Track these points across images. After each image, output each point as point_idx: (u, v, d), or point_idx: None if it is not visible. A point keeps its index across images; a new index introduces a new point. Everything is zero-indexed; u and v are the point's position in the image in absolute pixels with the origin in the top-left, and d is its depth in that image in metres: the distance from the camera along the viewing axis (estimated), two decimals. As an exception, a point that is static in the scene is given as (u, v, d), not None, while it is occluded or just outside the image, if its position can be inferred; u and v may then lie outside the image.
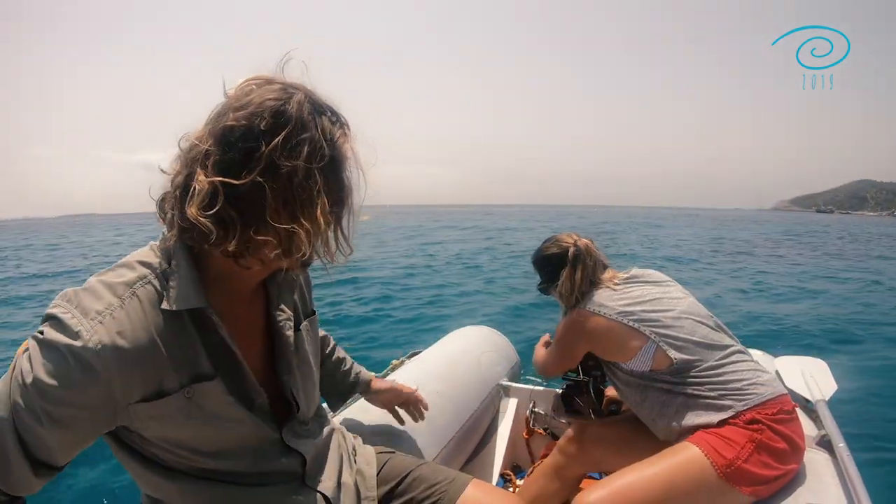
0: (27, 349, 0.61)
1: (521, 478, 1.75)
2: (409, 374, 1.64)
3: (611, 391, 1.64)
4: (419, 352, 1.91)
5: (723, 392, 1.14)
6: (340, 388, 1.17)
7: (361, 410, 1.45)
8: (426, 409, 1.27)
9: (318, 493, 0.82)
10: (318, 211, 0.62)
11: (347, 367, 1.18)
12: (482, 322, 2.36)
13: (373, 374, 1.23)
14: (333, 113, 0.66)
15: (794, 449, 1.11)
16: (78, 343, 0.58)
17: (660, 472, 1.07)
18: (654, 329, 1.21)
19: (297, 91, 0.63)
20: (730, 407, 1.12)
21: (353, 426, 1.30)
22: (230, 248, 0.61)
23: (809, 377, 1.57)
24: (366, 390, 1.20)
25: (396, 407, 1.24)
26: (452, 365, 1.78)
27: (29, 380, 0.58)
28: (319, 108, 0.64)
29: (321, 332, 1.14)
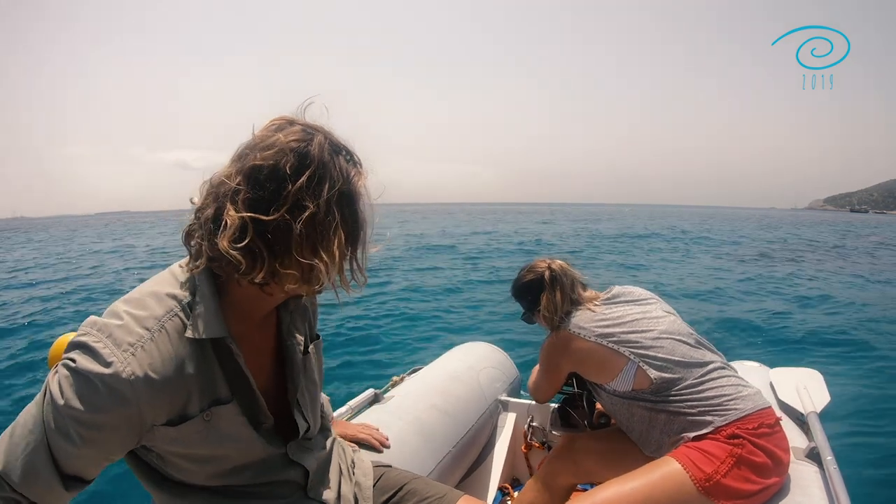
0: (57, 373, 0.64)
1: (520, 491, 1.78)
2: (409, 390, 1.70)
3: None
4: (420, 368, 1.97)
5: (703, 409, 1.17)
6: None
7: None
8: (385, 445, 1.30)
9: None
10: (335, 245, 0.66)
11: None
12: (485, 338, 2.41)
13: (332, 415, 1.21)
14: (349, 152, 0.71)
15: (776, 463, 1.13)
16: (111, 372, 0.62)
17: (639, 487, 1.10)
18: (633, 350, 1.24)
19: (317, 133, 0.68)
20: (710, 422, 1.15)
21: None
22: (257, 280, 0.66)
23: (803, 389, 1.57)
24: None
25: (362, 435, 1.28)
26: (452, 380, 1.83)
27: (61, 403, 0.62)
28: (337, 148, 0.69)
29: None
